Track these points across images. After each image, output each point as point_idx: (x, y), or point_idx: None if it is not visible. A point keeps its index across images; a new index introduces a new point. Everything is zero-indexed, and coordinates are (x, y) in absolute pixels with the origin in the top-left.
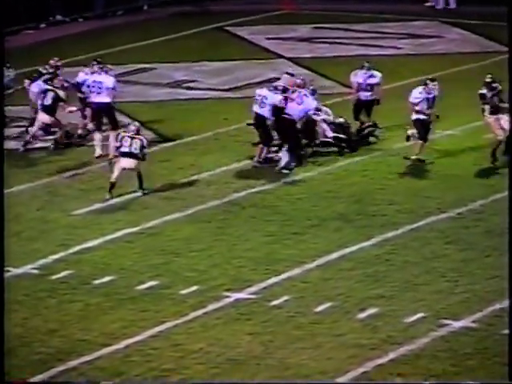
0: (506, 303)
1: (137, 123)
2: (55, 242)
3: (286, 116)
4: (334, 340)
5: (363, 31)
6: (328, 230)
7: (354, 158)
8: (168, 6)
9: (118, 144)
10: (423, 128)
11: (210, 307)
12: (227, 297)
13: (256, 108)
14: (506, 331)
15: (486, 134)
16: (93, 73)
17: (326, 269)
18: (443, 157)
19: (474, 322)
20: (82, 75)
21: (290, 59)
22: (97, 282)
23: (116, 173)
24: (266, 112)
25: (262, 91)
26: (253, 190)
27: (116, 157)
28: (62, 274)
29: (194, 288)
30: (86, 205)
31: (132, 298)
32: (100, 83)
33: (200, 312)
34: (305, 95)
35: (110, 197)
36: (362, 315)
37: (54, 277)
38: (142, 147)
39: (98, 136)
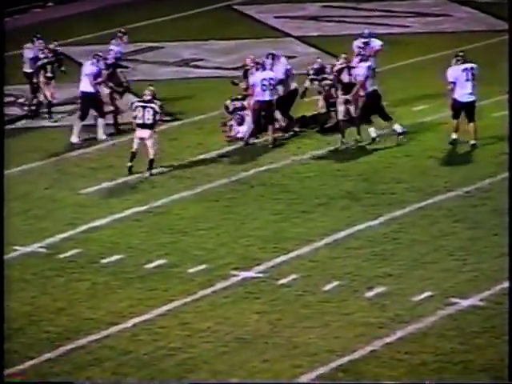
0: None
1: (151, 87)
2: (63, 221)
3: None
4: (341, 319)
5: (371, 9)
6: (336, 208)
7: (358, 136)
8: None
9: (133, 114)
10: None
11: (218, 286)
12: (235, 275)
13: (265, 95)
14: None
15: (495, 112)
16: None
17: (334, 247)
18: (451, 135)
19: (481, 300)
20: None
21: (297, 38)
22: (105, 260)
23: (135, 143)
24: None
25: (267, 74)
26: (261, 169)
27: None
28: (70, 252)
29: (202, 267)
30: (95, 183)
31: (140, 276)
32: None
33: (208, 291)
34: None
35: (131, 165)
36: (370, 294)
37: (61, 256)
38: (155, 114)
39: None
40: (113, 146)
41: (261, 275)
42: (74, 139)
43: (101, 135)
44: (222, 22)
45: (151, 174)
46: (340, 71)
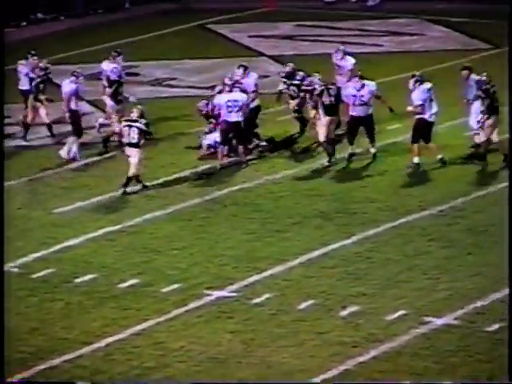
0: (487, 300)
1: (140, 106)
2: (36, 241)
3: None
4: (316, 338)
5: (345, 29)
6: (310, 227)
7: (335, 156)
8: (149, 4)
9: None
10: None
11: (192, 305)
12: (208, 295)
13: (229, 116)
14: (488, 328)
15: (468, 131)
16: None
17: (308, 266)
18: (424, 154)
19: (455, 319)
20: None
21: (271, 57)
22: (78, 280)
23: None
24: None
25: (232, 95)
26: (234, 188)
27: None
28: (43, 272)
29: (176, 286)
30: (68, 203)
31: (113, 296)
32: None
33: (181, 310)
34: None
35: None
36: (344, 313)
37: (35, 275)
38: (140, 133)
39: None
40: (85, 166)
41: (234, 294)
42: (65, 154)
43: (64, 153)
44: (196, 41)
45: (125, 192)
46: (321, 93)
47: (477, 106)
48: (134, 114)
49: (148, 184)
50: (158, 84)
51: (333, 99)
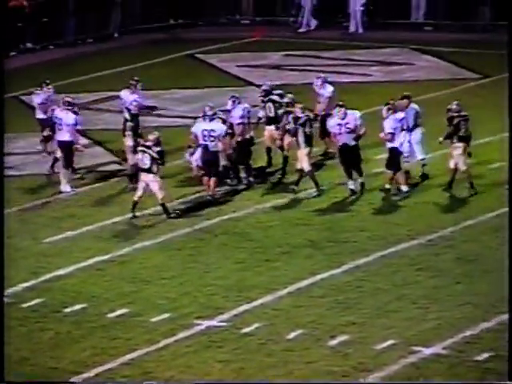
0: (476, 330)
1: (156, 133)
2: (26, 270)
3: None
4: (305, 367)
5: (333, 58)
6: (299, 257)
7: (324, 186)
8: (138, 34)
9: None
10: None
11: (181, 335)
12: (198, 324)
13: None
14: (478, 358)
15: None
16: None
17: (298, 296)
18: (413, 184)
19: (444, 348)
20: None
21: (260, 86)
22: (68, 310)
23: (139, 188)
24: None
25: (209, 125)
26: (224, 218)
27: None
28: (33, 302)
29: (165, 316)
30: (58, 233)
31: (103, 325)
32: (60, 120)
33: (171, 340)
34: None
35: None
36: (333, 342)
37: (24, 305)
38: (152, 160)
39: (62, 172)
40: (75, 195)
41: (224, 324)
42: (66, 188)
43: (67, 188)
44: (185, 70)
45: (169, 216)
46: (304, 123)
47: (417, 134)
48: (149, 141)
49: (172, 213)
50: (148, 113)
51: (312, 130)
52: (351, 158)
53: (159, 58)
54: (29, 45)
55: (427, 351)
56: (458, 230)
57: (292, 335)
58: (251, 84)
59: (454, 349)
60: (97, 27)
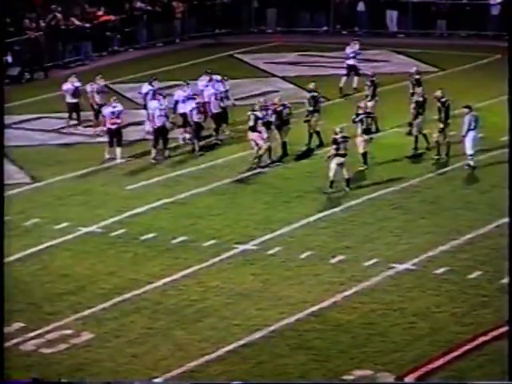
0: (436, 251)
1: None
2: (113, 209)
3: None
4: (313, 278)
5: (333, 57)
6: (309, 199)
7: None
8: (193, 40)
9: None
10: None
11: (224, 255)
12: (236, 248)
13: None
14: (436, 271)
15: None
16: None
17: (308, 227)
18: (387, 147)
19: (413, 265)
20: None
21: (281, 77)
22: (143, 237)
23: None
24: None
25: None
26: (254, 172)
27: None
28: (119, 231)
29: (212, 242)
30: (136, 182)
31: (168, 249)
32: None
33: (217, 259)
34: None
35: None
36: (333, 260)
37: (112, 234)
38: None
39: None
40: (145, 156)
41: (254, 248)
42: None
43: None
44: (227, 66)
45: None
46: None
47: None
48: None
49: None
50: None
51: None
52: None
53: (209, 56)
54: (115, 48)
55: (401, 267)
56: (423, 179)
57: (303, 255)
58: (274, 76)
59: (420, 265)
60: (163, 35)
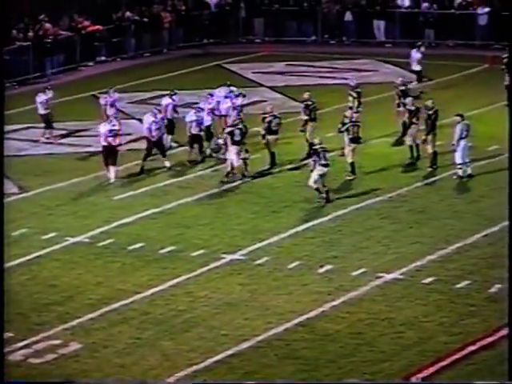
0: (424, 261)
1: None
2: (101, 219)
3: None
4: (301, 288)
5: (321, 67)
6: (297, 209)
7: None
8: (181, 50)
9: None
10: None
11: (212, 265)
12: (224, 258)
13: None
14: (424, 281)
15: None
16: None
17: (295, 237)
18: (375, 157)
19: (401, 274)
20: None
21: (268, 87)
22: (131, 247)
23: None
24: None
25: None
26: (243, 181)
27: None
28: (106, 242)
29: (201, 251)
30: (124, 192)
31: (156, 259)
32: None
33: (205, 269)
34: None
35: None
36: (321, 270)
37: (100, 244)
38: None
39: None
40: (134, 167)
41: (242, 257)
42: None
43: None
44: (214, 75)
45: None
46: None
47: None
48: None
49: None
50: (188, 107)
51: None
52: None
53: (196, 66)
54: (103, 58)
55: (389, 276)
56: (411, 189)
57: (291, 265)
58: (262, 85)
59: (408, 275)
60: (151, 45)
